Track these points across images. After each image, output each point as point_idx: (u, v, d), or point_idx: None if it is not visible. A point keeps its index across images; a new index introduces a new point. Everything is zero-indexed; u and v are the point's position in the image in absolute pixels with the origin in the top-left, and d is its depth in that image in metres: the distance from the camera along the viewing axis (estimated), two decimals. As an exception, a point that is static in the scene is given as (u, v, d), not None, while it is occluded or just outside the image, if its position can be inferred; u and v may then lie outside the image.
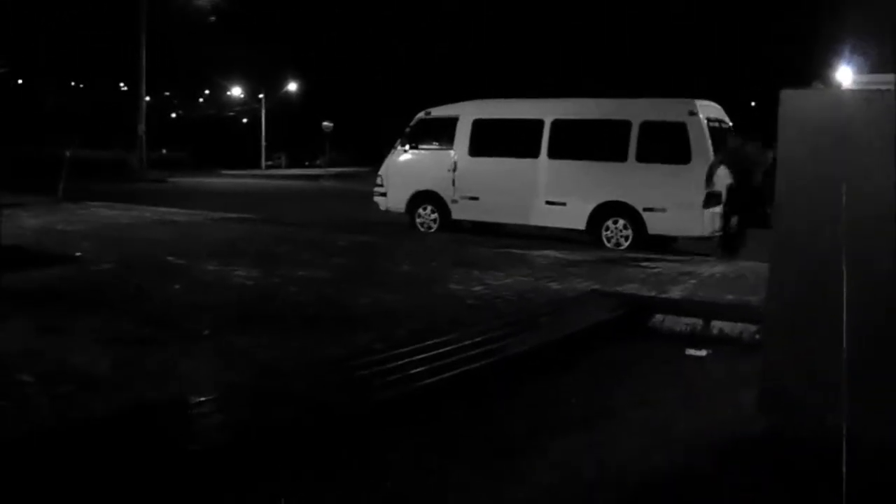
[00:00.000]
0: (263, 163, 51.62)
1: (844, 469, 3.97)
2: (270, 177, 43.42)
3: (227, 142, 53.97)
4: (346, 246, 11.90)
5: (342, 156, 52.17)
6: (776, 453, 4.54)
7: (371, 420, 4.47)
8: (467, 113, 15.46)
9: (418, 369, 5.03)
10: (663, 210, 13.76)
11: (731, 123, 15.06)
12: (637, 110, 14.51)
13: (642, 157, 14.07)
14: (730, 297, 8.46)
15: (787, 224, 4.90)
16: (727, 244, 12.57)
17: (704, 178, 12.95)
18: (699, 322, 7.15)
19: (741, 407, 5.14)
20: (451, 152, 15.30)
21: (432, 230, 15.28)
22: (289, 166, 53.81)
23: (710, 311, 7.44)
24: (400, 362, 5.14)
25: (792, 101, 4.84)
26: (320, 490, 3.84)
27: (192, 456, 3.72)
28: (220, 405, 4.40)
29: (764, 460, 4.49)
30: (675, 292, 8.75)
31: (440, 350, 5.44)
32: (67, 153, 20.85)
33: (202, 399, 4.40)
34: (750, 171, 12.60)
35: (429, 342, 5.62)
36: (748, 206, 12.55)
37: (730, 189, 12.81)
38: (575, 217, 14.40)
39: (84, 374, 4.98)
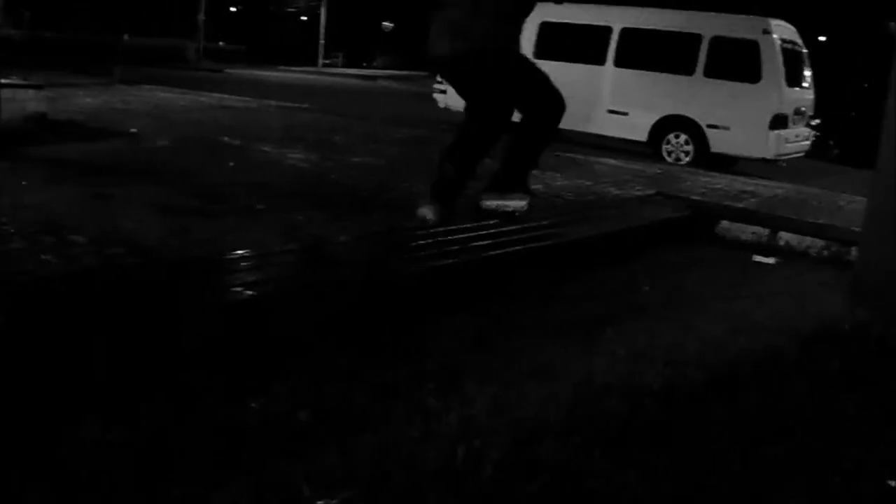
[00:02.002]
0: (321, 60, 51.24)
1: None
2: (328, 74, 43.07)
3: (285, 38, 53.68)
4: (401, 138, 11.75)
5: (400, 58, 51.73)
6: (865, 344, 4.42)
7: (429, 286, 4.34)
8: (534, 14, 15.07)
9: (481, 242, 4.90)
10: (727, 128, 13.49)
11: (804, 49, 14.64)
12: (709, 24, 14.15)
13: (710, 73, 13.76)
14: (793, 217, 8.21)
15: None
16: None
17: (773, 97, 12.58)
18: (765, 232, 6.95)
19: (822, 305, 5.03)
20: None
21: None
22: (346, 65, 53.43)
23: (777, 223, 7.20)
24: (461, 236, 5.00)
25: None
26: (374, 352, 3.72)
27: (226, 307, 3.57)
28: (263, 263, 4.25)
29: (852, 348, 4.35)
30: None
31: (501, 229, 5.30)
32: (125, 37, 20.85)
33: (246, 256, 4.25)
34: None
35: (489, 222, 5.48)
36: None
37: None
38: (637, 128, 14.16)
39: (133, 239, 4.88)
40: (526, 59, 6.14)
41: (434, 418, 3.09)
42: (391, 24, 40.60)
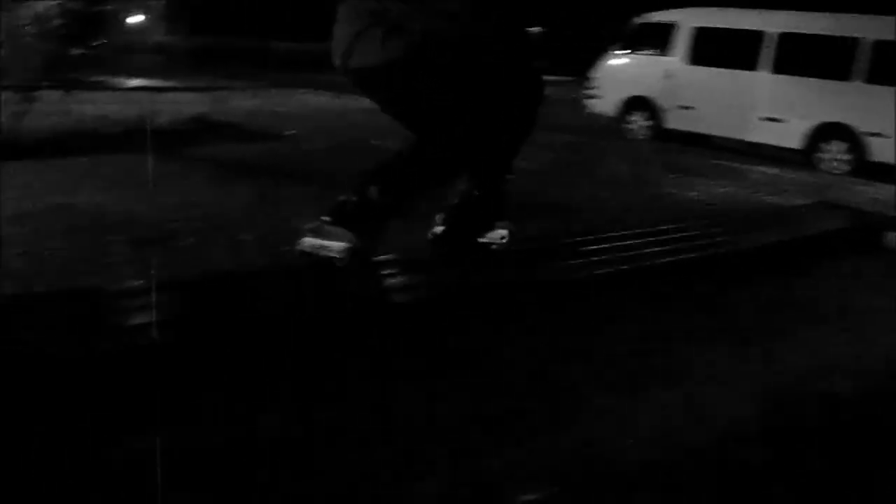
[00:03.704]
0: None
1: None
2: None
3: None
4: (552, 143, 11.71)
5: (547, 63, 51.59)
6: None
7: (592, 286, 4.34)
8: (688, 19, 14.91)
9: (646, 251, 4.87)
10: (889, 137, 13.02)
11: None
12: (870, 28, 13.66)
13: (871, 79, 13.29)
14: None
15: None
16: None
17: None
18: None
19: None
20: (669, 59, 14.80)
21: (641, 136, 14.88)
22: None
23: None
24: (622, 243, 4.96)
25: None
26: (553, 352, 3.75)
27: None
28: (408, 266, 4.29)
29: None
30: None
31: (661, 237, 5.24)
32: (271, 44, 21.41)
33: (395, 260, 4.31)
34: None
35: (647, 230, 5.41)
36: None
37: None
38: (791, 135, 13.79)
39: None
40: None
41: (626, 419, 3.14)
42: (540, 29, 40.55)
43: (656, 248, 4.89)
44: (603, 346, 3.86)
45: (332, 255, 3.73)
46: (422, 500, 2.53)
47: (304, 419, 2.86)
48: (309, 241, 3.79)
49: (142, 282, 3.64)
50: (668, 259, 4.75)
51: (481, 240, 4.38)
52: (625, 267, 4.52)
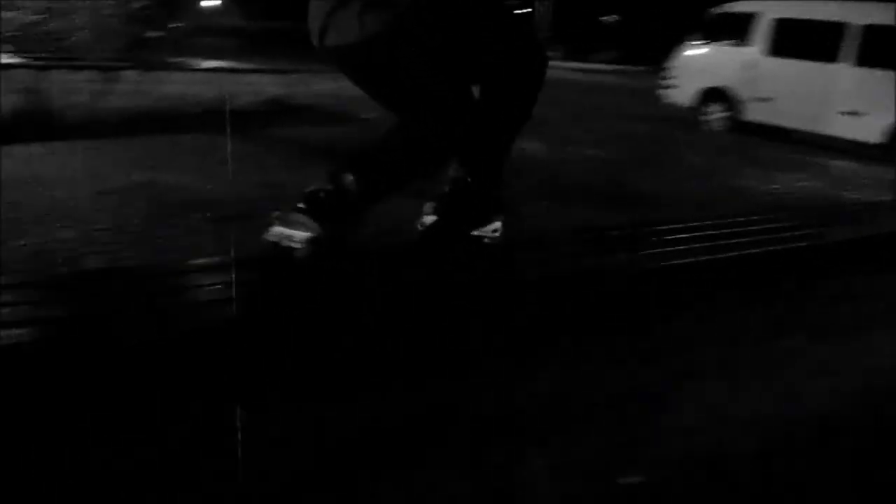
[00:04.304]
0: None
1: None
2: (550, 68, 43.01)
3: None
4: (629, 133, 11.66)
5: (622, 52, 51.21)
6: None
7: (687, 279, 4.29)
8: (769, 10, 14.69)
9: (735, 241, 4.76)
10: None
11: None
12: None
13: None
14: None
15: None
16: None
17: None
18: None
19: None
20: (748, 50, 14.59)
21: (718, 128, 14.71)
22: (565, 59, 53.28)
23: None
24: (708, 232, 4.89)
25: None
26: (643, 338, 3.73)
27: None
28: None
29: None
30: None
31: (749, 228, 5.13)
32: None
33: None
34: None
35: (733, 219, 5.32)
36: None
37: None
38: (872, 130, 13.53)
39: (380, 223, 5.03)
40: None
41: (721, 407, 3.10)
42: (615, 17, 40.24)
43: (744, 239, 4.82)
44: (701, 334, 3.83)
45: (293, 245, 3.37)
46: (531, 475, 2.54)
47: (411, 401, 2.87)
48: (276, 230, 3.40)
49: (220, 258, 3.66)
50: (755, 250, 4.68)
51: (474, 233, 3.90)
52: (718, 256, 4.46)
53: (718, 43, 15.15)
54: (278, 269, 3.36)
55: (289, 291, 3.22)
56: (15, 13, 12.53)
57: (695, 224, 5.01)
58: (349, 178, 3.42)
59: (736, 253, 4.53)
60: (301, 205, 3.38)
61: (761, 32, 14.55)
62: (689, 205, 6.70)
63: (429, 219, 3.84)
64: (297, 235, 3.34)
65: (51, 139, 8.09)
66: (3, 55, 11.31)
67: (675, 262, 4.35)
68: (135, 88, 10.51)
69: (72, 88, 9.97)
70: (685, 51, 15.65)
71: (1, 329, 2.54)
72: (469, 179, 3.79)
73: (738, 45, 14.79)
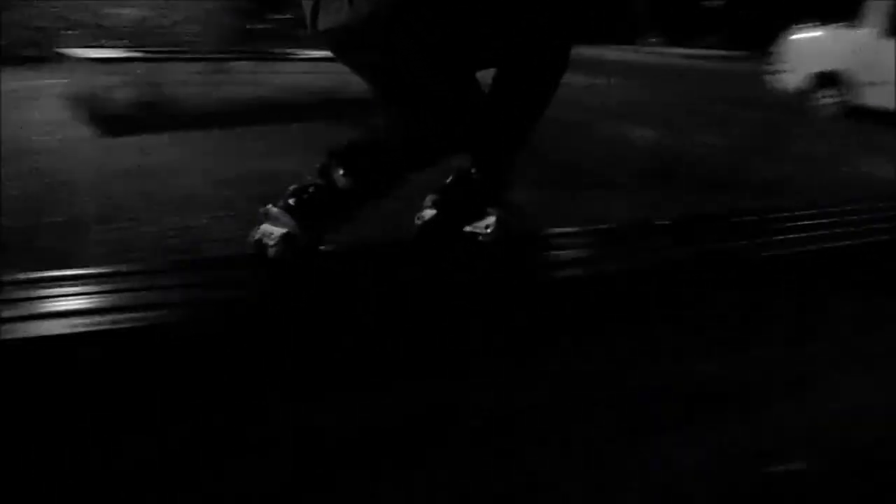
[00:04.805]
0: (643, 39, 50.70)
1: None
2: (648, 53, 42.66)
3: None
4: (740, 119, 11.51)
5: (725, 37, 50.46)
6: None
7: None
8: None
9: (862, 228, 4.67)
10: None
11: None
12: None
13: None
14: None
15: None
16: None
17: None
18: None
19: None
20: (861, 32, 14.25)
21: (831, 113, 14.41)
22: (667, 44, 52.63)
23: None
24: (828, 220, 4.80)
25: None
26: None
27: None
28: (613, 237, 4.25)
29: None
30: None
31: (874, 215, 5.03)
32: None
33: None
34: None
35: (854, 207, 5.21)
36: None
37: None
38: None
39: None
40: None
41: (860, 395, 3.04)
42: (719, 2, 39.64)
43: (874, 226, 4.72)
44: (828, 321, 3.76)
45: (269, 242, 3.12)
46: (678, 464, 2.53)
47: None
48: (263, 227, 3.16)
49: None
50: (883, 237, 4.58)
51: (467, 228, 3.54)
52: (847, 243, 4.38)
53: (831, 25, 14.84)
54: (276, 268, 3.31)
55: (288, 291, 3.18)
56: (130, 10, 12.83)
57: (831, 210, 4.94)
58: (338, 172, 3.14)
59: (867, 240, 4.46)
60: (290, 200, 3.16)
61: (876, 13, 14.20)
62: (807, 192, 6.60)
63: (428, 213, 3.55)
64: (275, 232, 3.12)
65: (169, 130, 8.28)
66: (120, 49, 11.61)
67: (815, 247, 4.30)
68: (247, 79, 10.70)
69: (186, 80, 10.20)
70: (795, 34, 15.36)
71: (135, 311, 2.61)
72: (473, 171, 3.48)
73: (851, 27, 14.46)
